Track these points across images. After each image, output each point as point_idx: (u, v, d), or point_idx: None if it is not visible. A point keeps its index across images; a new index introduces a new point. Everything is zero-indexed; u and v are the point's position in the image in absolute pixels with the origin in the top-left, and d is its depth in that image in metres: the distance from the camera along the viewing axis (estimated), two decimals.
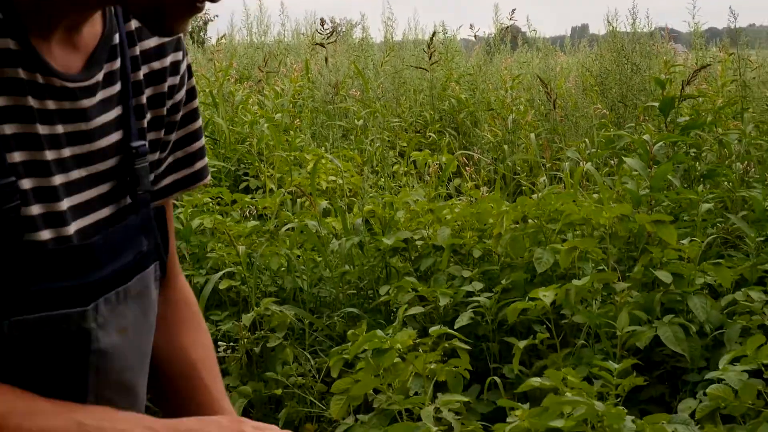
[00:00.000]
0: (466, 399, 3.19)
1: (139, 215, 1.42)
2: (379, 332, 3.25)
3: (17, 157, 1.26)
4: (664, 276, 3.65)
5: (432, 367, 3.28)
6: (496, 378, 3.58)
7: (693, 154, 4.97)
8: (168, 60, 1.47)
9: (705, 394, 3.02)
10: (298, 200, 6.02)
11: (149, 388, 1.63)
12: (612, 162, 5.54)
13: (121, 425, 1.30)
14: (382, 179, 6.40)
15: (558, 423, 2.33)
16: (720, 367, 2.98)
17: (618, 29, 8.45)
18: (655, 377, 3.75)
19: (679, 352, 3.47)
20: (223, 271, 4.75)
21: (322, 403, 4.26)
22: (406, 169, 6.74)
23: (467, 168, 6.60)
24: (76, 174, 1.33)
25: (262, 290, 4.91)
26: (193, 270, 4.93)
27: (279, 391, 4.39)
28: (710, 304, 3.66)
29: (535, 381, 2.59)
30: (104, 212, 1.38)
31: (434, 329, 3.29)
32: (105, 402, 1.37)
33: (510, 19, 11.65)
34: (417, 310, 3.97)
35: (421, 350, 3.31)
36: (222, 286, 4.75)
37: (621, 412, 2.41)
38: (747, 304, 3.65)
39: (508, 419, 2.44)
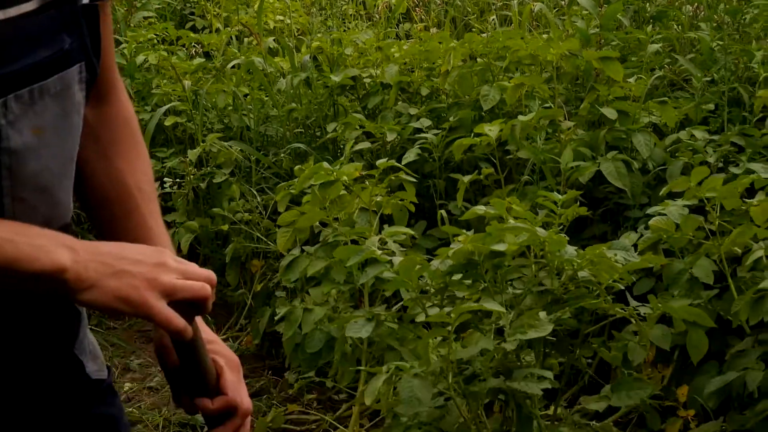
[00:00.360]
0: (411, 232, 3.21)
1: (61, 10, 1.33)
2: (325, 164, 3.25)
3: None
4: (610, 113, 3.67)
5: (378, 199, 3.30)
6: (442, 212, 3.60)
7: None
8: None
9: (647, 229, 3.07)
10: (245, 40, 5.93)
11: (84, 208, 1.60)
12: (563, 3, 5.49)
13: (36, 241, 1.26)
14: (331, 20, 6.31)
15: (500, 247, 2.36)
16: (661, 194, 3.01)
17: None
18: (598, 216, 3.80)
19: (621, 187, 3.51)
20: (168, 105, 4.69)
21: (268, 239, 4.28)
22: (355, 10, 6.64)
23: (417, 9, 6.52)
24: None
25: (209, 128, 4.88)
26: (139, 107, 4.88)
27: (225, 227, 4.41)
28: (654, 141, 3.69)
29: (480, 209, 2.61)
30: (29, 5, 1.30)
31: (381, 161, 3.29)
32: (23, 206, 1.33)
33: None
34: (364, 145, 3.97)
35: (367, 183, 3.32)
36: (167, 122, 4.71)
37: (563, 238, 2.44)
38: (690, 143, 3.68)
39: (452, 245, 2.47)
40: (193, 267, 1.37)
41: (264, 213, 4.39)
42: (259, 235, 4.30)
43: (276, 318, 3.45)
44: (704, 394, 2.84)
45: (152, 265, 1.32)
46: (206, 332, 1.51)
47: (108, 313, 1.32)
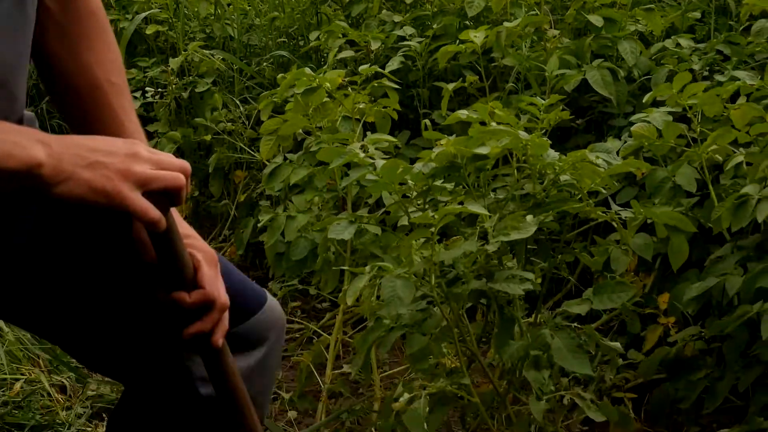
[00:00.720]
0: (394, 140, 3.19)
1: None
2: (307, 71, 3.22)
3: None
4: (596, 20, 3.64)
5: (361, 107, 3.27)
6: (426, 121, 3.58)
7: None
8: None
9: (630, 137, 3.06)
10: None
11: (56, 105, 1.58)
12: None
13: (12, 137, 1.25)
14: None
15: (483, 150, 2.35)
16: (644, 101, 2.99)
17: None
18: (583, 125, 3.79)
19: (607, 95, 3.49)
20: (148, 12, 4.63)
21: (252, 149, 4.26)
22: None
23: None
24: None
25: (191, 38, 4.82)
26: (119, 15, 4.82)
27: (208, 138, 4.39)
28: (640, 49, 3.66)
29: (463, 114, 2.59)
30: None
31: (364, 68, 3.26)
32: None
33: None
34: (348, 54, 3.93)
35: (350, 90, 3.29)
36: (149, 31, 4.65)
37: (545, 142, 2.43)
38: (676, 51, 3.66)
39: (435, 149, 2.46)
40: (167, 157, 1.36)
41: (247, 123, 4.36)
42: (242, 145, 4.28)
43: (259, 227, 3.44)
44: (683, 300, 2.86)
45: (125, 155, 1.32)
46: (183, 226, 1.50)
47: (83, 205, 1.31)
